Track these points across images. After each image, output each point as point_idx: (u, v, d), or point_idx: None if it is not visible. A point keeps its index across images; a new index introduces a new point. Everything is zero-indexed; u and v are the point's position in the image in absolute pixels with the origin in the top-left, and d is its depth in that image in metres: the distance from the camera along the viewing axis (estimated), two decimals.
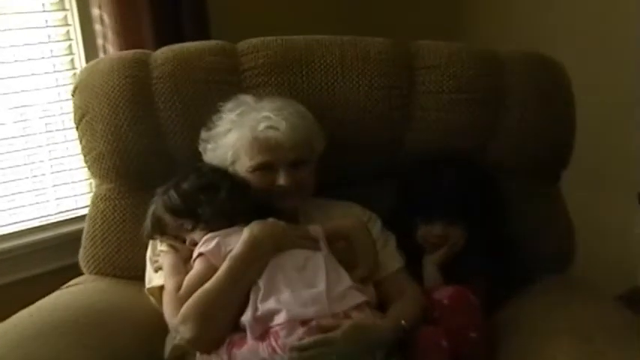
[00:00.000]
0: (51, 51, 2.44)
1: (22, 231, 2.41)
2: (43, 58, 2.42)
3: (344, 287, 1.72)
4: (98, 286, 2.01)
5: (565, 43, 2.60)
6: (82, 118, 2.04)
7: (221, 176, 1.85)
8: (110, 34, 2.37)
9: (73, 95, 2.09)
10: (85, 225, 2.10)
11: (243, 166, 1.86)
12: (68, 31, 2.45)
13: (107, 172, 2.05)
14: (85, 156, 2.07)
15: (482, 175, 1.99)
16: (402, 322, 1.72)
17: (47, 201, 2.50)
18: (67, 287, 2.00)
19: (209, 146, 1.92)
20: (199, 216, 1.78)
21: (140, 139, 2.00)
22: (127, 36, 2.37)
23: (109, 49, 2.38)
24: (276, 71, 2.04)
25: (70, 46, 2.46)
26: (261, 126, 1.83)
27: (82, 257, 2.08)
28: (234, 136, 1.87)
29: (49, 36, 2.42)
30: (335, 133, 1.97)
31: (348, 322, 1.63)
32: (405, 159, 2.05)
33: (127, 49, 2.26)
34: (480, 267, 1.90)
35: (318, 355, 1.58)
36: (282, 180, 1.84)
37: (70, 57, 2.47)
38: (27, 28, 2.36)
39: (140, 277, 1.91)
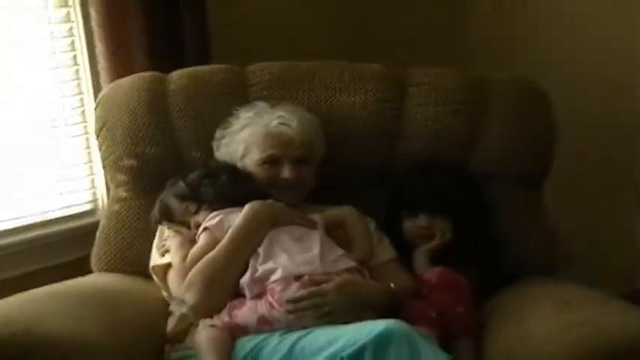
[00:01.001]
0: (54, 47, 2.43)
1: (25, 226, 2.42)
2: (46, 54, 2.43)
3: (337, 254, 1.86)
4: (108, 278, 2.15)
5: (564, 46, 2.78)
6: (102, 127, 2.23)
7: (224, 167, 2.04)
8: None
9: (95, 109, 2.29)
10: (100, 224, 2.26)
11: (252, 159, 2.04)
12: (71, 28, 2.44)
13: (124, 175, 2.22)
14: (103, 161, 2.25)
15: (467, 176, 2.15)
16: (391, 285, 1.84)
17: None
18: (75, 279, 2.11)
19: (223, 141, 2.10)
20: (202, 198, 1.95)
21: (155, 144, 2.18)
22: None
23: (99, 46, 2.41)
24: (280, 86, 2.25)
25: (72, 43, 2.47)
26: (275, 122, 2.03)
27: (95, 254, 2.22)
28: (248, 131, 2.06)
29: (52, 32, 2.42)
30: (332, 143, 2.17)
31: (340, 278, 1.76)
32: (396, 167, 2.22)
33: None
34: (469, 259, 2.01)
35: (312, 305, 1.70)
36: (287, 173, 2.02)
37: (72, 53, 2.48)
38: (30, 22, 2.38)
39: (149, 274, 2.05)
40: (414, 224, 2.08)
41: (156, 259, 2.03)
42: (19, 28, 2.35)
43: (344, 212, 2.02)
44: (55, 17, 2.42)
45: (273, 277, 1.76)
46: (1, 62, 2.33)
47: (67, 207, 2.51)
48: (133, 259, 2.17)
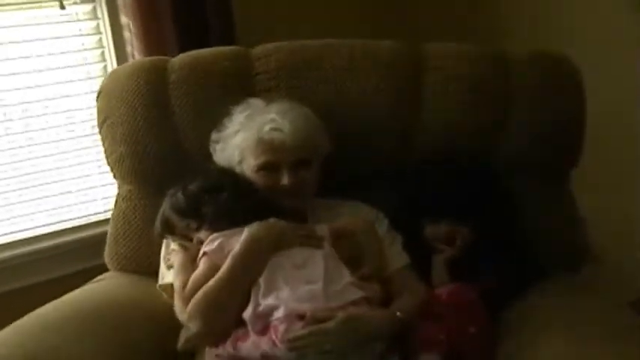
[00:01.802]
0: (85, 58, 2.57)
1: (54, 232, 2.54)
2: (78, 65, 2.56)
3: (342, 284, 1.77)
4: (120, 282, 2.12)
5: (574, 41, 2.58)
6: (103, 122, 2.14)
7: (226, 177, 1.93)
8: (135, 42, 2.48)
9: (97, 100, 2.19)
10: (109, 224, 2.21)
11: (249, 166, 1.95)
12: (100, 39, 2.58)
13: (127, 174, 2.15)
14: (107, 158, 2.18)
15: (489, 175, 2.01)
16: (397, 313, 1.77)
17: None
18: (92, 283, 2.12)
19: (218, 147, 2.01)
20: (203, 216, 1.86)
21: (156, 142, 2.09)
22: (151, 44, 2.47)
23: (136, 55, 2.48)
24: (287, 75, 2.11)
25: (102, 54, 2.58)
26: (266, 128, 1.91)
27: (107, 254, 2.20)
28: (241, 136, 1.95)
29: (82, 44, 2.55)
30: (343, 134, 2.03)
31: (342, 314, 1.69)
32: (413, 160, 2.09)
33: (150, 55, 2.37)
34: (490, 267, 1.91)
35: (312, 345, 1.65)
36: (284, 179, 1.92)
37: (102, 64, 2.59)
38: (62, 37, 2.50)
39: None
40: (434, 230, 1.98)
41: (163, 274, 1.99)
42: (51, 43, 2.48)
43: (353, 224, 1.93)
44: (85, 29, 2.55)
45: (276, 315, 1.70)
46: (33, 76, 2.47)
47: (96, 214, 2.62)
48: (141, 260, 2.14)
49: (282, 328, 1.68)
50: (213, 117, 2.03)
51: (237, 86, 2.10)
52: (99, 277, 2.15)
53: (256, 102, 2.01)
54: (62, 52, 2.51)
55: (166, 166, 2.10)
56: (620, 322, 1.76)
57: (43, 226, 2.52)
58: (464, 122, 2.06)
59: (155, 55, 2.31)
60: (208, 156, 2.04)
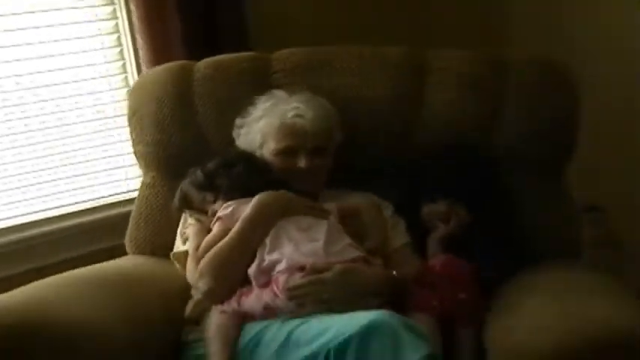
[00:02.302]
0: (102, 43, 2.60)
1: (78, 212, 2.60)
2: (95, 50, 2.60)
3: (343, 244, 1.89)
4: (137, 261, 2.25)
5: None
6: (133, 116, 2.33)
7: (241, 156, 2.09)
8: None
9: (128, 97, 2.39)
10: (133, 209, 2.36)
11: (269, 149, 2.09)
12: (117, 24, 2.60)
13: (151, 162, 2.31)
14: (134, 147, 2.35)
15: (489, 172, 2.11)
16: (394, 272, 1.87)
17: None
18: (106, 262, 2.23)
19: (242, 131, 2.16)
20: (219, 187, 2.01)
21: (180, 132, 2.26)
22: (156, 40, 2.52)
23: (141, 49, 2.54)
24: (301, 73, 2.28)
25: (118, 38, 2.62)
26: (290, 114, 2.07)
27: (127, 238, 2.33)
28: (264, 122, 2.10)
29: (99, 29, 2.59)
30: (351, 128, 2.19)
31: (340, 266, 1.80)
32: (415, 153, 2.21)
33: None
34: (485, 248, 1.98)
35: (310, 293, 1.75)
36: (302, 163, 2.05)
37: (119, 48, 2.63)
38: (79, 22, 2.55)
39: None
40: (431, 209, 2.07)
41: (178, 246, 2.12)
42: (69, 28, 2.52)
43: (359, 203, 2.06)
44: (102, 13, 2.58)
45: (278, 268, 1.81)
46: (53, 59, 2.51)
47: (119, 193, 2.68)
48: (161, 243, 2.24)
49: (282, 278, 1.78)
50: (233, 111, 2.20)
51: (256, 83, 2.26)
52: (117, 259, 2.27)
53: (279, 93, 2.17)
54: (78, 37, 2.55)
55: (187, 154, 2.24)
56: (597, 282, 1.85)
57: (69, 205, 2.59)
58: (463, 119, 2.19)
59: (160, 54, 2.47)
60: (227, 146, 2.20)
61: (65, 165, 2.58)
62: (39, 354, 1.60)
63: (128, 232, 2.34)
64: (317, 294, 1.76)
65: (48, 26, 2.48)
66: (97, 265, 2.12)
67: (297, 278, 1.78)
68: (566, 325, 1.57)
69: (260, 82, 2.27)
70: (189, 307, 1.97)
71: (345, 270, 1.81)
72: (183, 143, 2.27)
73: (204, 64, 2.33)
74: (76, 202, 2.61)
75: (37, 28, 2.45)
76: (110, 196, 2.66)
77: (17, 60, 2.44)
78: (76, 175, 2.60)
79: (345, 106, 2.20)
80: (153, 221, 2.30)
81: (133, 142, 2.35)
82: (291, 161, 2.07)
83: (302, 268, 1.80)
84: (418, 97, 2.23)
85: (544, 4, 2.85)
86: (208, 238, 1.96)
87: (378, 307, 1.71)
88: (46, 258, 2.42)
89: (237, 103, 2.20)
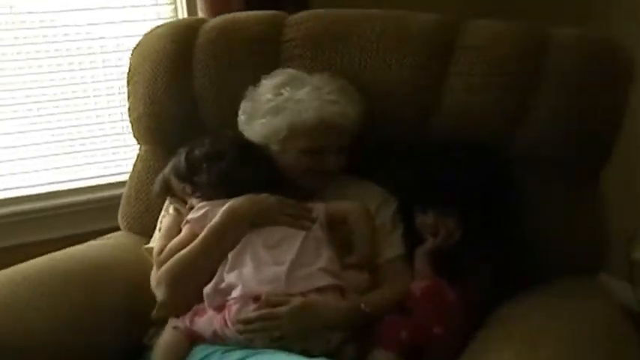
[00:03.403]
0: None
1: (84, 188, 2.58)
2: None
3: (313, 269, 1.66)
4: (119, 242, 2.08)
5: None
6: (131, 79, 2.11)
7: (235, 145, 1.83)
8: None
9: (130, 57, 2.16)
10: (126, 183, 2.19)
11: (295, 145, 1.82)
12: None
13: (144, 133, 2.11)
14: (129, 116, 2.14)
15: (492, 168, 1.82)
16: (362, 305, 1.65)
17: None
18: (96, 240, 2.10)
19: (262, 121, 1.83)
20: (197, 182, 1.79)
21: (173, 105, 2.03)
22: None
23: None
24: (313, 45, 1.98)
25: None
26: (330, 109, 1.79)
27: (119, 214, 2.17)
28: (292, 114, 1.80)
29: None
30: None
31: (298, 300, 1.58)
32: (428, 144, 1.91)
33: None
34: (478, 265, 1.75)
35: (261, 329, 1.56)
36: (331, 164, 1.82)
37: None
38: None
39: None
40: (421, 220, 1.82)
41: (155, 237, 1.93)
42: None
43: (347, 209, 1.79)
44: None
45: (234, 294, 1.62)
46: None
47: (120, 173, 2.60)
48: (150, 221, 2.03)
49: (234, 308, 1.60)
50: (234, 83, 1.95)
51: (262, 53, 1.99)
52: (106, 236, 2.12)
53: (302, 75, 1.87)
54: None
55: (181, 129, 2.02)
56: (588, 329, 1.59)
57: (67, 181, 2.56)
58: (483, 105, 1.85)
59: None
60: (224, 122, 1.95)
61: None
62: None
63: (120, 207, 2.17)
64: (268, 330, 1.56)
65: None
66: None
67: (250, 310, 1.58)
68: None
69: (268, 52, 2.00)
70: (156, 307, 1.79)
71: (303, 305, 1.59)
72: (177, 116, 2.04)
73: (211, 25, 2.07)
74: (72, 180, 2.59)
75: None
76: (107, 176, 2.65)
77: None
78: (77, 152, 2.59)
79: (358, 88, 1.89)
80: (143, 197, 2.11)
81: (128, 110, 2.14)
82: (317, 160, 1.81)
83: (257, 299, 1.59)
84: (439, 83, 1.89)
85: None
86: (174, 242, 1.76)
87: (341, 342, 1.60)
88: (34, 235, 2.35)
89: (241, 78, 1.93)
